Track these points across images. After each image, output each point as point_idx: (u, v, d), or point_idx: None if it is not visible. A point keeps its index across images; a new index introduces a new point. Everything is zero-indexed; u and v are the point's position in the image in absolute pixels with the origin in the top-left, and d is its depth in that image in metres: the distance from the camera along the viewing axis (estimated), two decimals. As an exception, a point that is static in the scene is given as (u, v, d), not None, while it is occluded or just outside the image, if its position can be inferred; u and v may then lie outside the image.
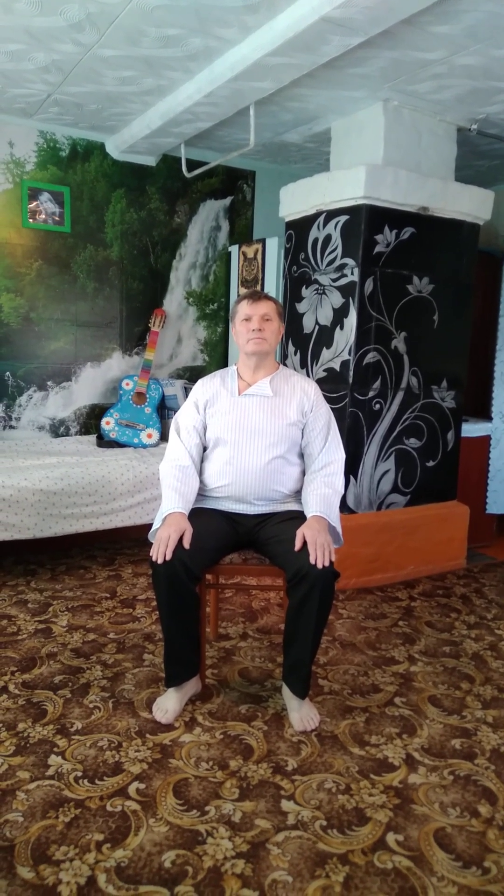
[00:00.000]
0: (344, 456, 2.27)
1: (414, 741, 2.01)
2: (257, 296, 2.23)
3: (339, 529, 2.16)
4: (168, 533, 1.99)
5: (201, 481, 2.28)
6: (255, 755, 1.91)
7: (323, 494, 2.14)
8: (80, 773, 1.80)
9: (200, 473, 2.28)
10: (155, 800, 1.71)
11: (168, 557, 1.95)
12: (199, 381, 2.34)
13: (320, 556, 1.94)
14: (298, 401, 2.24)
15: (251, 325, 2.19)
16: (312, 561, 1.93)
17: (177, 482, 2.17)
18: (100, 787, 1.75)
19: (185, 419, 2.28)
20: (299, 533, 2.01)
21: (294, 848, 1.56)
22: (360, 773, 1.85)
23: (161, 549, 1.96)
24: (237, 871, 1.49)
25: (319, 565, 1.93)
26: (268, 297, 2.24)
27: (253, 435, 2.19)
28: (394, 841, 1.60)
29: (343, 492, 2.24)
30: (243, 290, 4.19)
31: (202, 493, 2.29)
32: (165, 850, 1.54)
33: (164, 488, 2.18)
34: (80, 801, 1.70)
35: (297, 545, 1.99)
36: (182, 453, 2.23)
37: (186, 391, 4.12)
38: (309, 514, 2.11)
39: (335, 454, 2.24)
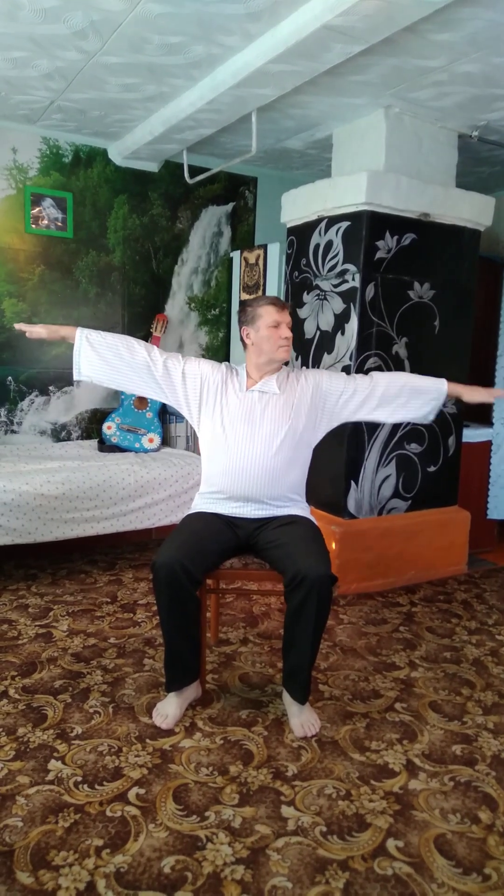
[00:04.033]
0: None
1: (414, 747, 2.00)
2: (282, 303, 2.23)
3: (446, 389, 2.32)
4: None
5: (205, 482, 2.29)
6: (255, 761, 1.91)
7: (413, 377, 2.34)
8: (79, 778, 1.80)
9: (204, 473, 2.29)
10: (155, 805, 1.71)
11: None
12: (211, 362, 2.29)
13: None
14: (301, 388, 2.24)
15: (281, 332, 2.19)
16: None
17: (108, 336, 2.21)
18: (99, 792, 1.75)
19: (176, 359, 2.25)
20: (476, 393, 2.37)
21: (294, 854, 1.56)
22: (361, 778, 1.84)
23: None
24: (237, 876, 1.49)
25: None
26: (287, 305, 2.28)
27: (260, 431, 2.19)
28: (394, 847, 1.59)
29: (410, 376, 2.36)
30: (245, 296, 4.20)
31: (205, 494, 2.29)
32: (165, 856, 1.54)
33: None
34: (80, 806, 1.69)
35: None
36: (143, 346, 2.23)
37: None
38: (438, 383, 2.31)
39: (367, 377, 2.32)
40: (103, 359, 2.18)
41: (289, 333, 2.21)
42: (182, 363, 2.25)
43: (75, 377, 2.21)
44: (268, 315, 2.20)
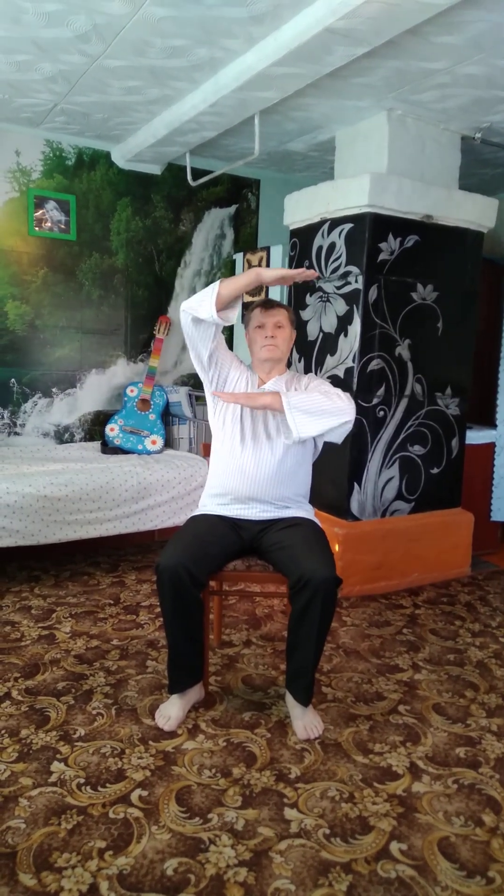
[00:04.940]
0: (351, 405, 2.05)
1: (418, 749, 2.00)
2: (270, 304, 2.26)
3: (296, 418, 1.99)
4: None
5: (212, 477, 2.29)
6: (258, 763, 1.90)
7: (308, 392, 2.10)
8: (82, 780, 1.80)
9: (212, 470, 2.30)
10: (157, 807, 1.70)
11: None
12: (240, 362, 2.31)
13: (243, 399, 2.05)
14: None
15: (264, 332, 2.23)
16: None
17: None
18: (102, 794, 1.75)
19: (228, 357, 2.26)
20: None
21: (297, 856, 1.56)
22: (364, 781, 1.84)
23: None
24: (240, 879, 1.49)
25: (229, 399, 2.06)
26: (280, 305, 2.28)
27: (267, 430, 2.20)
28: (397, 850, 1.59)
29: (338, 414, 2.03)
30: (248, 298, 4.20)
31: (210, 493, 2.30)
32: (168, 858, 1.54)
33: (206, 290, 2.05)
34: (83, 808, 1.69)
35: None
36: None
37: (191, 398, 4.13)
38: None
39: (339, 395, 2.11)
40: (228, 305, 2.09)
41: (272, 333, 2.22)
42: (229, 366, 2.26)
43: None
44: (254, 318, 2.26)
